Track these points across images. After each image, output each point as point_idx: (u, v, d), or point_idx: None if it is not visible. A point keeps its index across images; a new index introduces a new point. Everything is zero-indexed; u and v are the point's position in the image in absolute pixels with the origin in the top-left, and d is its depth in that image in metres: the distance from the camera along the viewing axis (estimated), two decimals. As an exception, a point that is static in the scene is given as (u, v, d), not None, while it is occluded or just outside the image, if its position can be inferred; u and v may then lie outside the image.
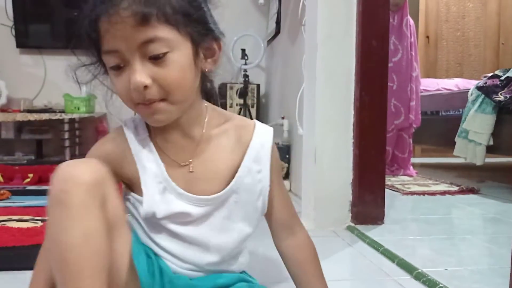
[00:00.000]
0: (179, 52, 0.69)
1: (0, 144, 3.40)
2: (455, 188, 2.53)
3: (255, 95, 3.40)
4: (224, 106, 3.35)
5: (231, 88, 3.38)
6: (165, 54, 0.67)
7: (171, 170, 0.77)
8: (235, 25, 3.42)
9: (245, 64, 3.30)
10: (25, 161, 3.15)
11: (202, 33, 0.72)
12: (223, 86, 3.40)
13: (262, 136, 0.81)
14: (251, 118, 3.23)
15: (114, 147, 0.78)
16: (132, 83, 0.67)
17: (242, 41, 3.38)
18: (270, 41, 3.28)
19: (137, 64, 0.67)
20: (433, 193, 2.41)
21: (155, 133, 0.78)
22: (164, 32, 0.67)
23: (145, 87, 0.67)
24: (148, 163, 0.76)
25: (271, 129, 0.82)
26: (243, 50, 3.31)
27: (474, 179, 2.91)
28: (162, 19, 0.67)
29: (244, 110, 3.23)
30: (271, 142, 0.81)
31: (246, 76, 3.26)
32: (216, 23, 0.75)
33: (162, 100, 0.69)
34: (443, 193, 2.43)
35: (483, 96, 2.52)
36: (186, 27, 0.69)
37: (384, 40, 1.66)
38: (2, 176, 2.51)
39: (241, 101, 3.26)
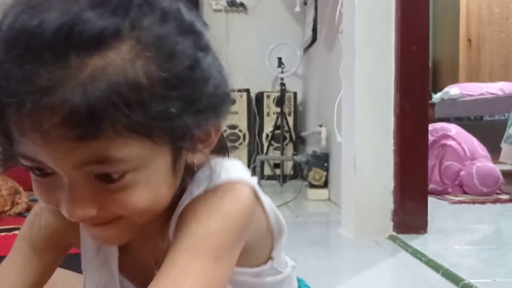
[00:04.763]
0: (149, 169, 0.42)
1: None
2: (506, 197, 2.42)
3: (292, 103, 3.40)
4: (261, 115, 3.38)
5: (268, 96, 3.40)
6: (122, 175, 0.41)
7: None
8: (271, 34, 3.44)
9: (282, 72, 3.32)
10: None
11: (195, 123, 0.43)
12: (260, 95, 3.43)
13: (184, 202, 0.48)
14: (288, 127, 3.29)
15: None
16: (67, 214, 0.42)
17: (279, 49, 3.40)
18: (306, 49, 3.28)
19: (75, 184, 0.41)
20: (483, 202, 2.30)
21: None
22: (124, 150, 0.39)
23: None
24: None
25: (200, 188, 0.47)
26: (280, 59, 3.32)
27: (522, 186, 2.79)
28: (124, 127, 0.37)
29: (281, 118, 3.24)
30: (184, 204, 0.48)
31: (282, 84, 3.27)
32: (222, 80, 0.45)
33: (118, 218, 0.45)
34: (494, 201, 2.32)
35: (530, 99, 2.43)
36: (167, 131, 0.41)
37: (424, 45, 1.63)
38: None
39: (278, 109, 3.27)
